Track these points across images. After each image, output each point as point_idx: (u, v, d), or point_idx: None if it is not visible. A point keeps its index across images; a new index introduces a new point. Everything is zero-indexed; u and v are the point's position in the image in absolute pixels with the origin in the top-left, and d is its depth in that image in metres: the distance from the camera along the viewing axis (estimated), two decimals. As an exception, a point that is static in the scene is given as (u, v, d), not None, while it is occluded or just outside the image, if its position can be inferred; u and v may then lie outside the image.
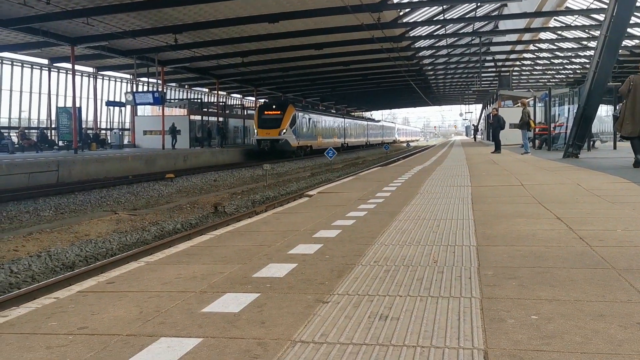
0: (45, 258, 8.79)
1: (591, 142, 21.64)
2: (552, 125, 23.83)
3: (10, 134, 31.69)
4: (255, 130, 39.03)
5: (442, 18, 31.63)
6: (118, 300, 3.14)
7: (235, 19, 24.89)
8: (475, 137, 58.83)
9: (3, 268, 8.06)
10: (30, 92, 35.22)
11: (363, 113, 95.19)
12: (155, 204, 15.99)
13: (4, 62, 32.20)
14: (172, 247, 4.89)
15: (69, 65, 29.11)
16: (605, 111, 30.36)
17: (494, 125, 22.93)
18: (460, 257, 3.94)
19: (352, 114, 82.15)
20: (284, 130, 37.88)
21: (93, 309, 2.97)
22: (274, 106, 39.87)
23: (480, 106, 77.81)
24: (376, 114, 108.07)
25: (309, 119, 44.45)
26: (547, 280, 3.22)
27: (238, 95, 59.83)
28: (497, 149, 21.66)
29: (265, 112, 39.11)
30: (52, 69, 35.62)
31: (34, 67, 34.78)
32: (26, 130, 32.67)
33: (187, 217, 13.06)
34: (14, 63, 33.09)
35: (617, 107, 12.80)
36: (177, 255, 4.38)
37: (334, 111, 66.50)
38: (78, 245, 9.80)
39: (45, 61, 34.40)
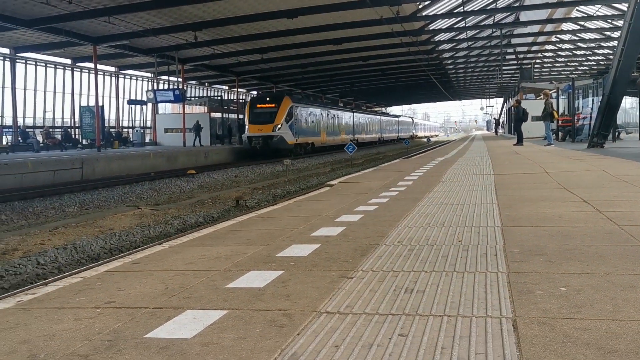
0: (71, 250, 8.90)
1: (616, 133, 21.27)
2: (576, 117, 23.48)
3: (35, 133, 32.21)
4: (246, 126, 34.16)
5: (462, 10, 31.30)
6: (143, 278, 3.16)
7: (254, 15, 24.93)
8: (496, 131, 58.20)
9: (30, 260, 8.19)
10: (54, 92, 35.72)
11: (383, 108, 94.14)
12: (178, 199, 16.10)
13: (27, 62, 32.69)
14: (195, 232, 4.92)
15: (91, 65, 29.45)
16: (630, 103, 29.84)
17: (516, 117, 22.64)
18: (485, 237, 3.89)
19: (365, 107, 77.02)
20: (279, 126, 32.94)
21: (119, 286, 2.99)
22: (267, 98, 35.08)
23: (501, 100, 76.98)
24: (396, 109, 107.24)
25: (310, 112, 38.85)
26: (575, 257, 3.17)
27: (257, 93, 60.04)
28: (519, 141, 21.38)
29: (258, 106, 34.22)
30: (75, 69, 36.08)
31: (57, 67, 35.25)
32: (50, 130, 33.15)
33: (209, 211, 13.12)
34: (38, 63, 33.58)
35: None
36: (201, 239, 4.40)
37: (342, 104, 62.20)
38: (102, 239, 9.90)
39: (69, 61, 34.85)
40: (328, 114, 43.73)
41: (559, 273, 2.82)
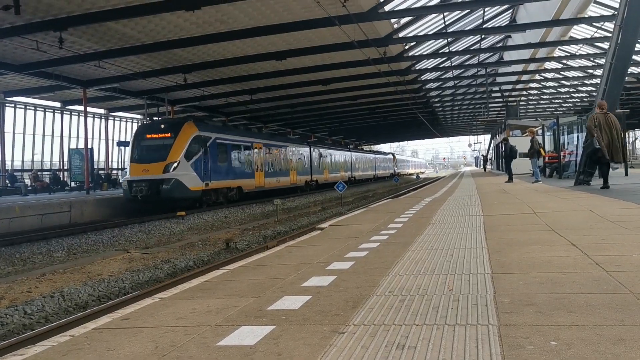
0: (58, 298, 8.79)
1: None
2: (562, 153, 23.80)
3: (24, 177, 32.09)
4: (128, 166, 25.04)
5: (448, 50, 31.99)
6: (133, 336, 3.13)
7: (243, 57, 25.32)
8: (485, 168, 58.73)
9: (17, 309, 8.07)
10: (43, 135, 35.75)
11: (372, 146, 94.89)
12: (167, 242, 16.01)
13: (17, 106, 32.79)
14: (186, 282, 4.89)
15: (81, 108, 29.62)
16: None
17: (505, 155, 22.90)
18: (475, 285, 3.90)
19: (330, 141, 64.01)
20: (175, 164, 23.51)
21: (109, 345, 2.96)
22: (161, 126, 25.16)
23: (488, 136, 77.93)
24: (385, 147, 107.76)
25: (232, 145, 28.80)
26: (565, 306, 3.18)
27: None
28: (510, 178, 21.59)
29: (147, 136, 24.66)
30: (64, 112, 36.22)
31: (47, 110, 35.39)
32: (39, 173, 33.07)
33: (199, 254, 13.05)
34: (27, 107, 33.70)
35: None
36: (191, 290, 4.37)
37: (296, 136, 52.92)
38: (91, 285, 9.80)
39: (58, 104, 35.01)
40: (265, 149, 33.48)
41: (549, 325, 2.83)
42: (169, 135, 24.26)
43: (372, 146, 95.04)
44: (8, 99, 30.35)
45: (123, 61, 24.15)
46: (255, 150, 31.84)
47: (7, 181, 29.96)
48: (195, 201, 25.19)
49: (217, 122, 34.87)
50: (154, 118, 30.37)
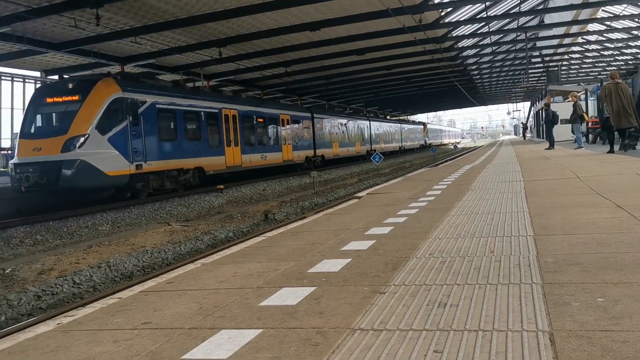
0: (105, 269, 9.06)
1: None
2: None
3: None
4: (17, 144, 17.82)
5: (485, 15, 31.09)
6: (178, 298, 3.21)
7: (278, 29, 25.14)
8: (524, 136, 57.49)
9: (66, 280, 8.36)
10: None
11: (409, 117, 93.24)
12: (207, 215, 16.26)
13: (58, 85, 33.52)
14: (227, 248, 4.97)
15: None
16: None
17: (546, 121, 22.33)
18: (517, 246, 3.85)
19: (349, 110, 54.05)
20: (82, 139, 16.50)
21: (155, 306, 3.04)
22: (68, 86, 17.86)
23: (528, 104, 76.08)
24: (422, 117, 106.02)
25: (186, 112, 21.77)
26: (611, 265, 3.11)
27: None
28: (551, 144, 21.06)
29: (48, 101, 17.62)
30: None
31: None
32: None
33: (239, 226, 13.22)
34: (68, 85, 34.38)
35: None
36: (232, 256, 4.44)
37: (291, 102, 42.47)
38: (135, 256, 10.05)
39: (97, 82, 35.60)
40: (250, 118, 26.79)
41: (595, 283, 2.78)
42: (75, 98, 16.98)
43: (408, 116, 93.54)
44: (49, 77, 31.02)
45: (159, 37, 24.29)
46: (227, 118, 24.23)
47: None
48: (120, 190, 18.26)
49: (162, 81, 23.67)
50: (64, 76, 22.42)
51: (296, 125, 33.01)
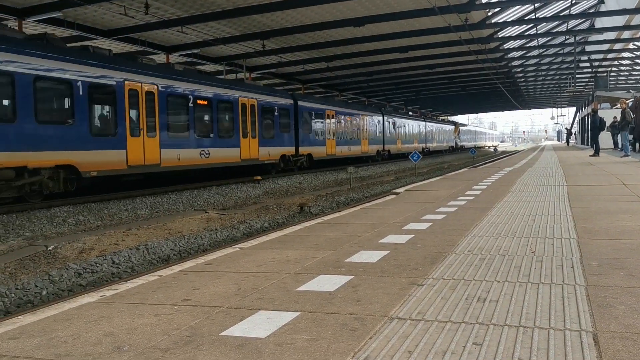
0: (143, 251, 9.25)
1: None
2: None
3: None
4: None
5: (534, 17, 30.47)
6: (216, 278, 3.25)
7: (321, 23, 25.16)
8: (568, 142, 56.18)
9: (106, 259, 8.57)
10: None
11: (449, 117, 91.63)
12: (243, 205, 16.41)
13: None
14: (264, 235, 5.01)
15: (163, 73, 30.56)
16: None
17: (592, 127, 21.75)
18: (559, 248, 3.77)
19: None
20: None
21: (194, 285, 3.09)
22: None
23: (573, 109, 74.26)
24: (462, 118, 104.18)
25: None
26: (658, 271, 3.02)
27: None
28: (597, 151, 20.50)
29: None
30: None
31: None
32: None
33: (274, 217, 13.31)
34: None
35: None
36: (270, 242, 4.48)
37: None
38: (172, 241, 10.23)
39: (142, 70, 36.28)
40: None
41: (641, 288, 2.70)
42: None
43: (449, 117, 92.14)
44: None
45: (204, 27, 24.60)
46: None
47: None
48: None
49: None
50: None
51: (273, 117, 24.68)
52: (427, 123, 54.28)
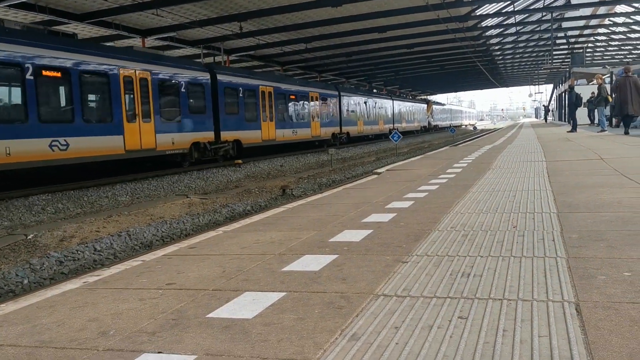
0: (125, 237, 9.18)
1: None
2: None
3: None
4: None
5: (510, -6, 30.53)
6: (201, 261, 3.24)
7: (299, 4, 24.94)
8: (546, 119, 56.75)
9: (87, 247, 8.49)
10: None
11: (428, 97, 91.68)
12: (225, 189, 16.35)
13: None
14: (247, 218, 4.99)
15: (140, 58, 30.08)
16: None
17: (569, 103, 21.97)
18: (540, 222, 3.82)
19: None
20: None
21: (178, 269, 3.08)
22: None
23: (550, 86, 74.95)
24: (441, 97, 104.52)
25: None
26: (638, 242, 3.07)
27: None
28: (574, 127, 20.74)
29: None
30: (124, 62, 36.92)
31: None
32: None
33: (256, 200, 13.28)
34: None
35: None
36: (254, 225, 4.47)
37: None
38: (154, 226, 10.16)
39: (118, 54, 35.70)
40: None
41: (621, 258, 2.75)
42: None
43: (428, 96, 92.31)
44: (71, 49, 31.16)
45: (180, 9, 24.23)
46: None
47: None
48: None
49: None
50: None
51: (193, 97, 20.96)
52: (395, 101, 49.60)
